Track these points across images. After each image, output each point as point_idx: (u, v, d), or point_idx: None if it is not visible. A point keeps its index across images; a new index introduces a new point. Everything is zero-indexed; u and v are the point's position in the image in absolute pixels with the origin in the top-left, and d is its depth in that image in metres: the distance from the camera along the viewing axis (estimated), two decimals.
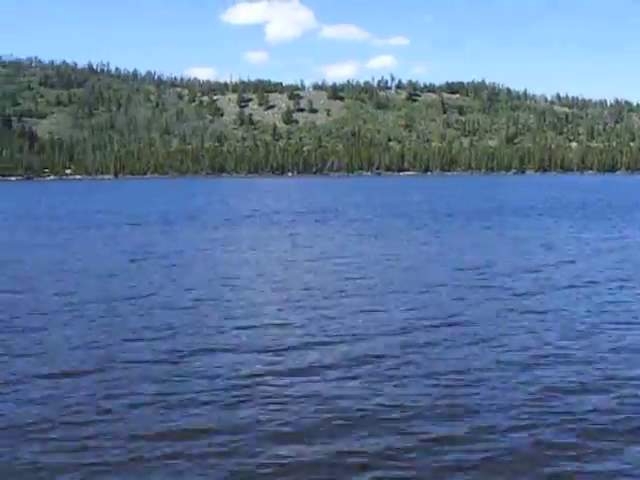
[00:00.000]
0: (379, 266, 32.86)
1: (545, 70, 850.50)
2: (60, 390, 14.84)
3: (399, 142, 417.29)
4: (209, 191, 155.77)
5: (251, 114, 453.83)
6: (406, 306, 23.09)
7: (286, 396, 14.37)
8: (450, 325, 20.28)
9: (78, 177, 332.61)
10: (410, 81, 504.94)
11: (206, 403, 13.99)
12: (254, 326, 20.52)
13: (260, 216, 70.46)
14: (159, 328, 20.07)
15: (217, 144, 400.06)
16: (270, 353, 17.50)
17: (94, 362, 16.74)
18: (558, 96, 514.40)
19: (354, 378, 15.49)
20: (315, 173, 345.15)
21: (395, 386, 14.97)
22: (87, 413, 13.50)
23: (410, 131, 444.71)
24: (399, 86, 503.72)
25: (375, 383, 15.14)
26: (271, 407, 13.75)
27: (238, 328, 20.12)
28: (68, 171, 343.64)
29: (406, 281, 28.29)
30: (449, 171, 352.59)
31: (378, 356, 17.11)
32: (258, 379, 15.43)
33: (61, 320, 21.31)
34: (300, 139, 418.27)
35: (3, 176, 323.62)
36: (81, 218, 70.12)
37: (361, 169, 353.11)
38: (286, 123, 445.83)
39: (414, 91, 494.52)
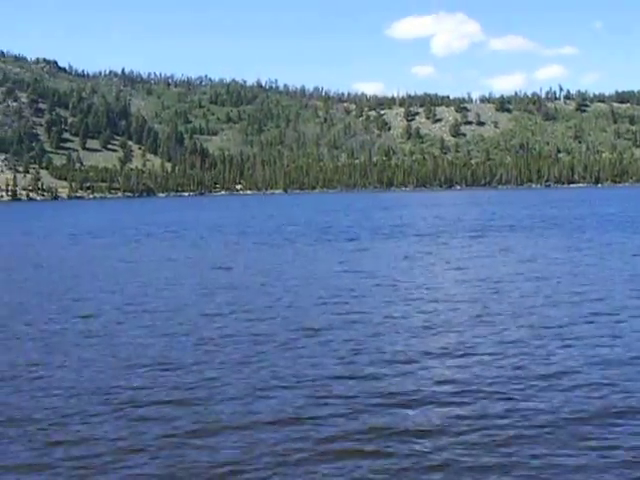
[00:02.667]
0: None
1: None
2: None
3: (568, 153, 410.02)
4: (392, 205, 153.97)
5: (418, 128, 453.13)
6: None
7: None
8: None
9: (248, 192, 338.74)
10: (579, 91, 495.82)
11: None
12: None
13: (474, 229, 70.02)
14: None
15: (385, 158, 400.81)
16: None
17: None
18: None
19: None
20: (483, 186, 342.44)
21: None
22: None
23: (580, 142, 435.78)
24: (567, 96, 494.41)
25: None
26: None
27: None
28: (238, 186, 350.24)
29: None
30: (620, 182, 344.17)
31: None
32: None
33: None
34: (468, 152, 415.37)
35: (176, 192, 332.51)
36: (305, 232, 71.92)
37: (530, 181, 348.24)
38: (453, 136, 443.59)
39: (583, 101, 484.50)
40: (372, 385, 16.58)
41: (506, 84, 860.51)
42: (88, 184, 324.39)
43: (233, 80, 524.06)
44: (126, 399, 15.89)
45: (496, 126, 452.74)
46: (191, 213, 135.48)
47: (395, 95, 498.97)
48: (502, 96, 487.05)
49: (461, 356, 18.92)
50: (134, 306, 27.95)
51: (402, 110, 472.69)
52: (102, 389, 16.68)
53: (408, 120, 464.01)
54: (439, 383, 16.57)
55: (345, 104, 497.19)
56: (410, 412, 14.68)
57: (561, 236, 58.45)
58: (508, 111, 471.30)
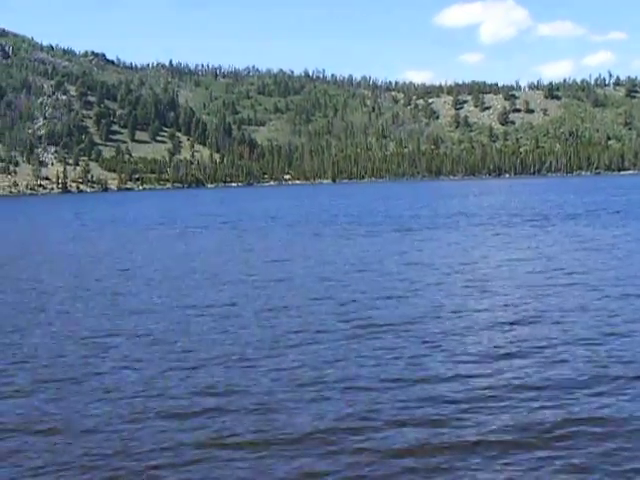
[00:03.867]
0: None
1: None
2: None
3: (618, 140, 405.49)
4: (447, 193, 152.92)
5: (467, 116, 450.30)
6: None
7: None
8: None
9: (297, 182, 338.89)
10: (628, 77, 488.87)
11: None
12: None
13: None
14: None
15: (433, 147, 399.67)
16: None
17: None
18: None
19: None
20: (532, 174, 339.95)
21: None
22: None
23: (630, 129, 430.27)
24: (617, 83, 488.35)
25: None
26: None
27: None
28: (287, 176, 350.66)
29: None
30: None
31: None
32: None
33: None
34: (517, 140, 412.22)
35: (225, 182, 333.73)
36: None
37: (580, 169, 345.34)
38: (502, 124, 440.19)
39: (633, 87, 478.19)
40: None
41: (555, 71, 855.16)
42: (137, 175, 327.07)
43: (280, 70, 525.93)
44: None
45: (545, 113, 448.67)
46: (265, 203, 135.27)
47: (443, 83, 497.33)
48: (551, 83, 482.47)
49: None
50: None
51: (450, 98, 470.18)
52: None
53: (456, 108, 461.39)
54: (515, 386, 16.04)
55: (393, 93, 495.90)
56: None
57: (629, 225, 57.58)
58: (557, 98, 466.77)
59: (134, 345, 20.34)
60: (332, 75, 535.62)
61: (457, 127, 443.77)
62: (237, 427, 13.79)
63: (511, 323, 21.79)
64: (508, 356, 18.12)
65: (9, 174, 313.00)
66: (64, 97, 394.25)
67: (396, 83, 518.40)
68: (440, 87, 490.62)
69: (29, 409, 15.20)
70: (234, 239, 55.66)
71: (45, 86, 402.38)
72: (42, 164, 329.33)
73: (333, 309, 24.75)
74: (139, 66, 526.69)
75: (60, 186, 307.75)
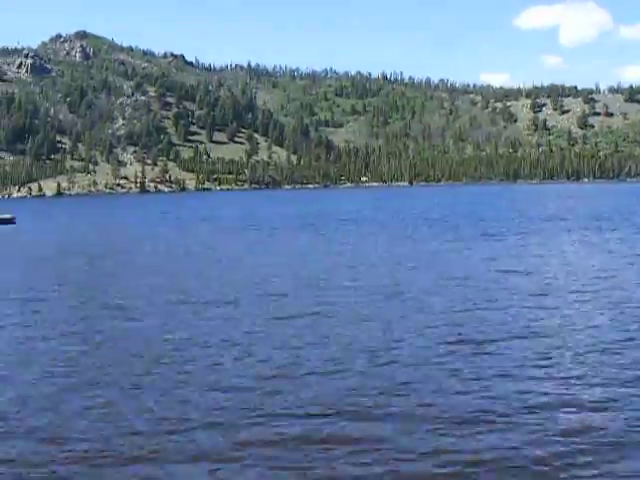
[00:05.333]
0: None
1: None
2: None
3: None
4: (533, 198, 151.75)
5: (545, 119, 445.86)
6: None
7: None
8: None
9: (374, 184, 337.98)
10: None
11: None
12: None
13: None
14: None
15: (511, 150, 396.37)
16: None
17: None
18: None
19: None
20: (611, 179, 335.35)
21: None
22: None
23: None
24: None
25: None
26: None
27: None
28: (364, 178, 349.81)
29: None
30: None
31: None
32: None
33: None
34: (596, 144, 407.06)
35: (302, 184, 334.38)
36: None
37: None
38: (581, 128, 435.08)
39: None
40: None
41: (636, 74, 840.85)
42: (215, 176, 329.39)
43: (358, 72, 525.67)
44: None
45: (625, 117, 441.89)
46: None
47: (521, 86, 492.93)
48: (631, 86, 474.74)
49: None
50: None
51: (529, 101, 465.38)
52: None
53: (535, 111, 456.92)
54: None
55: (471, 95, 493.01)
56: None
57: None
58: (637, 102, 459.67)
59: None
60: (410, 77, 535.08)
61: (535, 130, 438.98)
62: None
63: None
64: None
65: (89, 173, 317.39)
66: (143, 98, 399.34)
67: (474, 85, 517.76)
68: (519, 90, 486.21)
69: None
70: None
71: (125, 87, 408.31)
72: (121, 164, 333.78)
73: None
74: (217, 67, 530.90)
75: (138, 186, 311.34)
